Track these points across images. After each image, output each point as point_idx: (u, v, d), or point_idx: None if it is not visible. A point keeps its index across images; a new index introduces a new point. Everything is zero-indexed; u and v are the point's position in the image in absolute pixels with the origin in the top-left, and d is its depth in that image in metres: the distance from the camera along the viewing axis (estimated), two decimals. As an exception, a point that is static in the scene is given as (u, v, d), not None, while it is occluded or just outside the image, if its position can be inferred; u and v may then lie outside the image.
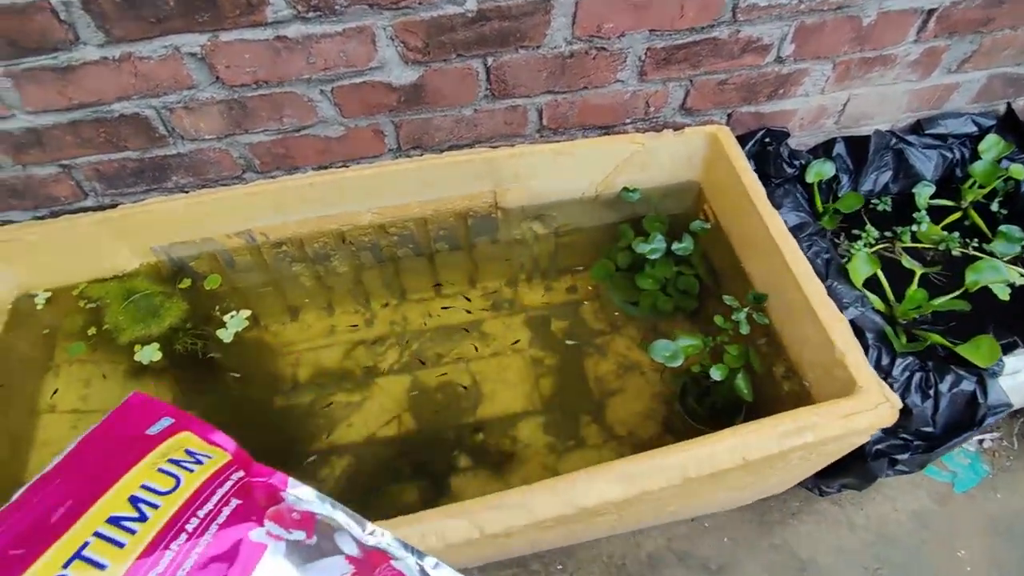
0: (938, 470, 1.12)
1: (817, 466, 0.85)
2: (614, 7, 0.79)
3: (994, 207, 1.09)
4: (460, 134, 0.93)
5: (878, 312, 0.92)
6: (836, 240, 1.06)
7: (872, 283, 0.97)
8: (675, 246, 0.97)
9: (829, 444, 0.72)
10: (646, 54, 0.87)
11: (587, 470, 0.66)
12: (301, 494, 0.34)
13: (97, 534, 0.27)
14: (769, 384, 0.88)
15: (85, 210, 0.90)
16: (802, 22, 0.87)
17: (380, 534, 0.35)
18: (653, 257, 0.97)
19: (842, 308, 0.89)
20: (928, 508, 1.08)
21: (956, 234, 1.05)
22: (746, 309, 0.90)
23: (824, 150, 1.08)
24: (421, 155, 0.95)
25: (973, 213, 1.08)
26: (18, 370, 0.89)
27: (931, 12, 0.90)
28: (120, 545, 0.27)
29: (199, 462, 0.31)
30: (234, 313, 0.92)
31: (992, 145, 1.09)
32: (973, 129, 1.11)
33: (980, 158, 1.09)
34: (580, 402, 0.91)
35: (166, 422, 0.33)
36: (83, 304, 0.92)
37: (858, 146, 1.07)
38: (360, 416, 0.92)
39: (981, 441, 1.15)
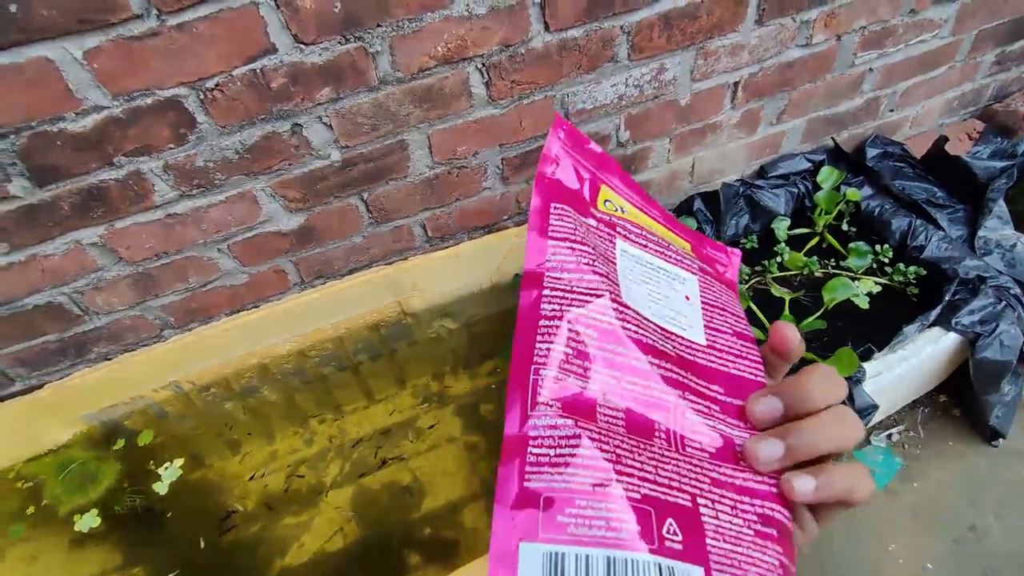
0: (858, 472, 1.20)
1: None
2: (463, 133, 0.92)
3: (844, 227, 1.24)
4: (356, 258, 1.03)
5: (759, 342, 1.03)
6: (714, 283, 1.18)
7: (751, 316, 1.09)
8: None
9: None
10: (502, 163, 0.99)
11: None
12: None
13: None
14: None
15: (13, 395, 0.95)
16: (629, 113, 1.02)
17: None
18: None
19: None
20: (856, 510, 1.16)
21: (815, 258, 1.19)
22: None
23: (686, 207, 1.22)
24: (324, 283, 1.04)
25: (828, 236, 1.22)
26: (-40, 564, 0.91)
27: (736, 84, 1.07)
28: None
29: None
30: (168, 464, 0.97)
31: (828, 175, 1.25)
32: (807, 165, 1.27)
33: (821, 188, 1.25)
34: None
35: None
36: (20, 485, 0.95)
37: (712, 200, 1.21)
38: (310, 535, 0.96)
39: (890, 435, 1.25)
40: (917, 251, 1.13)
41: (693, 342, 0.29)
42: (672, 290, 0.30)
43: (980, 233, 1.15)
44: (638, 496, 0.23)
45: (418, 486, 1.00)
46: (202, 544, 0.94)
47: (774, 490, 0.26)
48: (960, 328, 0.99)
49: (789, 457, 0.26)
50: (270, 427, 1.08)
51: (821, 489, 0.26)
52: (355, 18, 0.73)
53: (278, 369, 1.10)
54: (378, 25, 0.75)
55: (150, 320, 0.97)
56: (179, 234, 0.86)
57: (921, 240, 1.13)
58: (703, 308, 0.31)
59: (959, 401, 1.26)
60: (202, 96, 0.73)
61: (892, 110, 1.30)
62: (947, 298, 1.01)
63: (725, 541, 0.24)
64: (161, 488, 0.94)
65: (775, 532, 0.25)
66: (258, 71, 0.73)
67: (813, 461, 0.26)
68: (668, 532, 0.23)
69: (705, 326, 0.30)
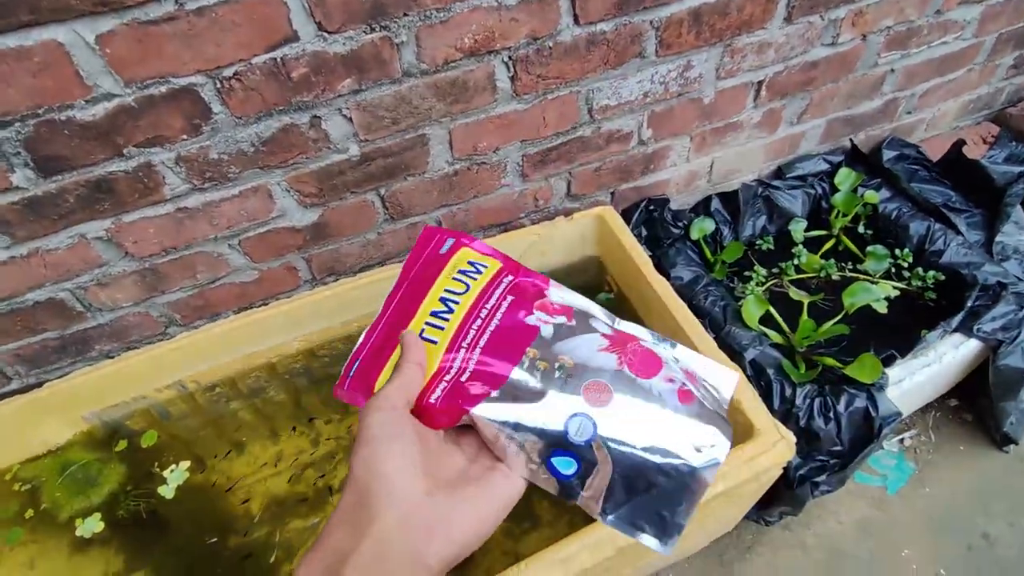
0: (869, 476, 1.20)
1: (745, 505, 0.91)
2: (484, 129, 0.89)
3: (860, 230, 1.23)
4: (369, 255, 1.00)
5: (777, 347, 1.01)
6: (732, 285, 1.16)
7: (769, 319, 1.07)
8: (586, 320, 1.04)
9: (744, 486, 0.78)
10: (523, 160, 0.97)
11: (525, 562, 0.70)
12: (561, 291, 0.43)
13: (428, 323, 0.39)
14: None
15: (10, 394, 0.91)
16: (652, 111, 0.99)
17: (628, 325, 0.42)
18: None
19: (743, 350, 0.98)
20: (869, 515, 1.16)
21: (832, 260, 1.17)
22: (657, 369, 0.97)
23: (703, 207, 1.20)
24: (336, 280, 1.01)
25: (844, 238, 1.21)
26: (-45, 570, 0.87)
27: (760, 83, 1.04)
28: (441, 328, 0.39)
29: (479, 271, 0.42)
30: (174, 467, 0.93)
31: (846, 177, 1.24)
32: (826, 167, 1.25)
33: (839, 190, 1.23)
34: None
35: (450, 242, 0.43)
36: (17, 487, 0.92)
37: (730, 199, 1.19)
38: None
39: (902, 440, 1.24)
40: (935, 256, 1.12)
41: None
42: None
43: (998, 239, 1.14)
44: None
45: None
46: (209, 550, 0.91)
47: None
48: (982, 335, 0.98)
49: None
50: (275, 427, 1.04)
51: None
52: (382, 6, 0.69)
53: (286, 368, 1.06)
54: (405, 14, 0.71)
55: (155, 317, 0.93)
56: (189, 229, 0.82)
57: (940, 245, 1.12)
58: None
59: (970, 406, 1.26)
60: (219, 85, 0.69)
61: (910, 112, 1.28)
62: (969, 304, 1.00)
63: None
64: (167, 492, 0.90)
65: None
66: (279, 60, 0.70)
67: None
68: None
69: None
